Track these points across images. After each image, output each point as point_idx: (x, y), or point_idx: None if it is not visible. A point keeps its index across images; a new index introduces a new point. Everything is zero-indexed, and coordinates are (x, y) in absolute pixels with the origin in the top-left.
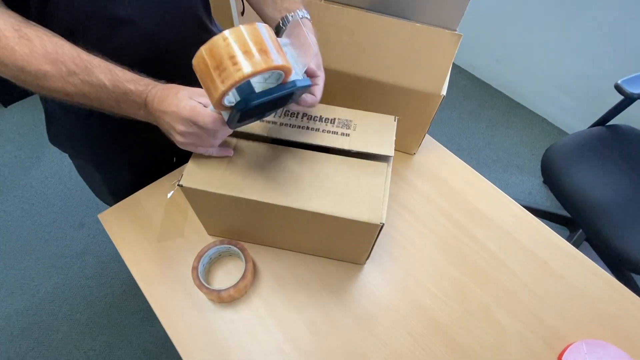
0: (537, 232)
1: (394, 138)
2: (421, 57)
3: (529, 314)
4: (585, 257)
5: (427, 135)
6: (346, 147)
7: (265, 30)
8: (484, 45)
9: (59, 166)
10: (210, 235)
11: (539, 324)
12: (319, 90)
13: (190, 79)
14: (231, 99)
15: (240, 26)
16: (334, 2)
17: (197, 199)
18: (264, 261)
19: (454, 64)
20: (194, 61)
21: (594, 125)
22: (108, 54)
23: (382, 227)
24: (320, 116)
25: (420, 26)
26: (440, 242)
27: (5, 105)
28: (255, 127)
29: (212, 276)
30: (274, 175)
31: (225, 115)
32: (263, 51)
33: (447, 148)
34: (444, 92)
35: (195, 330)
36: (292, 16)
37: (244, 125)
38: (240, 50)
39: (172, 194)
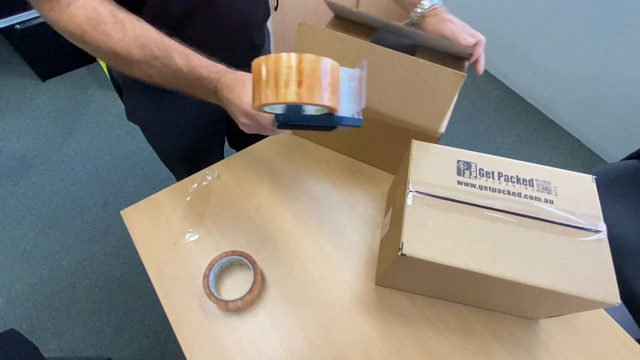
0: None
1: (599, 204)
2: (421, 93)
3: (529, 358)
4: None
5: None
6: (554, 218)
7: (327, 67)
8: (521, 54)
9: (89, 145)
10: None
11: None
12: (480, 62)
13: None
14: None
15: (307, 55)
16: (337, 30)
17: (410, 265)
18: (272, 274)
19: (487, 72)
20: (255, 63)
21: (629, 157)
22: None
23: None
24: (517, 176)
25: (423, 62)
26: None
27: (43, 80)
28: (462, 194)
29: (221, 282)
30: (490, 245)
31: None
32: (314, 87)
33: None
34: (442, 129)
35: (201, 334)
36: (420, 8)
37: (291, 129)
38: (295, 79)
39: (191, 199)
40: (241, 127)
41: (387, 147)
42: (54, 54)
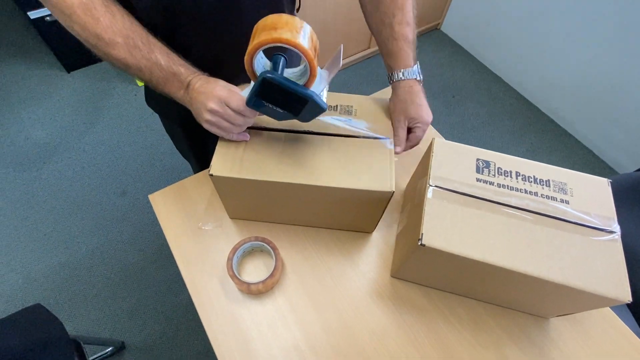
0: None
1: (614, 206)
2: (360, 163)
3: (539, 355)
4: (612, 312)
5: None
6: (569, 218)
7: (308, 29)
8: (536, 64)
9: (110, 135)
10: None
11: None
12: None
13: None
14: (265, 66)
15: (295, 17)
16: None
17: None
18: (291, 262)
19: (502, 80)
20: (258, 22)
21: None
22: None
23: None
24: (534, 176)
25: (350, 140)
26: None
27: (68, 71)
28: (480, 190)
29: (242, 267)
30: (506, 240)
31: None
32: (302, 37)
33: None
34: (392, 188)
35: (222, 315)
36: (401, 75)
37: (260, 111)
38: (287, 26)
39: None
40: (205, 119)
41: (354, 212)
42: (80, 46)
